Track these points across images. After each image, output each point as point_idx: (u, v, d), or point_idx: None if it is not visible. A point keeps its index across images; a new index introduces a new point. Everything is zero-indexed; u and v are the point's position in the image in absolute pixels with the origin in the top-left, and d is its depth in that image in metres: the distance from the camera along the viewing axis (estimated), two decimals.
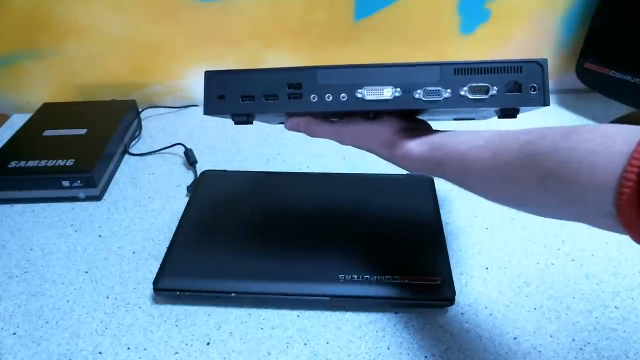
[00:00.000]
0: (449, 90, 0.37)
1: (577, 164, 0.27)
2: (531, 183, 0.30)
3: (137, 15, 0.77)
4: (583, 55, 0.75)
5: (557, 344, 0.43)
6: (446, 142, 0.37)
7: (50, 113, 0.74)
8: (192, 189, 0.60)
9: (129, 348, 0.43)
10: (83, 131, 0.68)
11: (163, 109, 0.83)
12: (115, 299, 0.48)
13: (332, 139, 0.43)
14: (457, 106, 0.38)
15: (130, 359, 0.43)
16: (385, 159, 0.42)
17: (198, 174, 0.63)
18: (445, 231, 0.52)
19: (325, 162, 0.68)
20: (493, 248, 0.53)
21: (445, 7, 0.78)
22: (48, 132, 0.68)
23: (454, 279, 0.47)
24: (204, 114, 0.40)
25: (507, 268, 0.50)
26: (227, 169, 0.62)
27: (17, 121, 0.78)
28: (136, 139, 0.75)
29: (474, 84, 0.37)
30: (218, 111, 0.40)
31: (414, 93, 0.38)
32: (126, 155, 0.71)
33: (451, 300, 0.45)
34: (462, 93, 0.37)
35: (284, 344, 0.44)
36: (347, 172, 0.62)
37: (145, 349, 0.43)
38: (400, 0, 0.77)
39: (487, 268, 0.50)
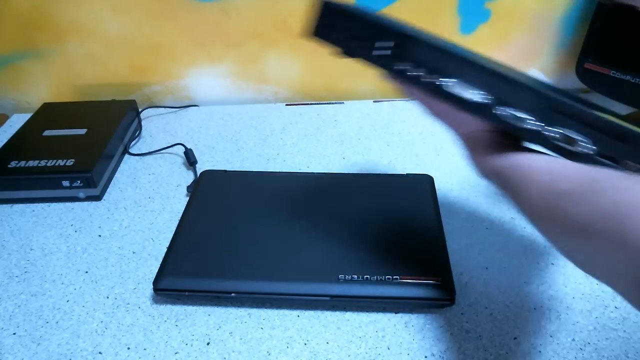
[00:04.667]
0: (536, 123, 0.33)
1: None
2: (611, 253, 0.26)
3: (137, 15, 0.77)
4: (583, 55, 0.75)
5: (557, 344, 0.43)
6: (526, 168, 0.33)
7: (50, 113, 0.74)
8: (192, 189, 0.60)
9: (129, 348, 0.44)
10: (83, 131, 0.68)
11: (163, 109, 0.83)
12: (115, 299, 0.48)
13: (421, 103, 0.40)
14: (534, 142, 0.34)
15: (130, 359, 0.43)
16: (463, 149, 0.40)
17: (198, 174, 0.63)
18: (445, 231, 0.52)
19: (325, 162, 0.68)
20: (493, 248, 0.53)
21: (445, 7, 0.78)
22: (48, 132, 0.68)
23: (454, 279, 0.47)
24: (312, 35, 0.38)
25: (507, 268, 0.50)
26: (227, 169, 0.62)
27: (17, 121, 0.78)
28: (136, 139, 0.75)
29: (570, 134, 0.32)
30: (323, 37, 0.38)
31: (496, 108, 0.34)
32: (126, 155, 0.71)
33: (451, 300, 0.45)
34: (549, 134, 0.33)
35: (284, 344, 0.44)
36: (347, 172, 0.62)
37: (145, 349, 0.43)
38: (400, 0, 0.77)
39: (487, 268, 0.50)
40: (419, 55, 0.35)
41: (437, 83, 0.35)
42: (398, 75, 0.37)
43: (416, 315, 0.46)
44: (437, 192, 0.57)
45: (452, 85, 0.35)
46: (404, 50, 0.35)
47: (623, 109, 0.75)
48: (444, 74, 0.35)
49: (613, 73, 0.71)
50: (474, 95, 0.34)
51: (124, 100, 0.77)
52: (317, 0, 0.38)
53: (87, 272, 0.51)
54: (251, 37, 0.80)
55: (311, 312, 0.46)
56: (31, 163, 0.61)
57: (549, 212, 0.30)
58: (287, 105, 0.83)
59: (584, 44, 0.75)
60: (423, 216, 0.53)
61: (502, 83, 0.34)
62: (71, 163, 0.61)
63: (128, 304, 0.48)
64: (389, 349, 0.43)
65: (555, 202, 0.29)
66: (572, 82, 0.78)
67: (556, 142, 0.33)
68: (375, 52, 0.36)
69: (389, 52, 0.36)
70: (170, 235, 0.52)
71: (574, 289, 0.48)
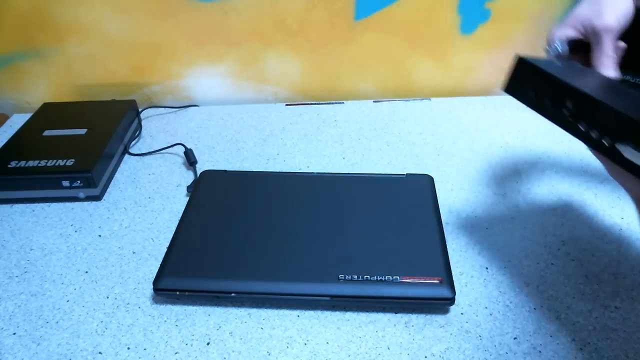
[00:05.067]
0: None
1: None
2: None
3: (137, 15, 0.77)
4: None
5: (557, 344, 0.43)
6: None
7: (50, 113, 0.74)
8: (192, 189, 0.60)
9: (129, 348, 0.44)
10: (83, 131, 0.68)
11: (163, 109, 0.83)
12: (115, 299, 0.48)
13: (602, 162, 0.40)
14: None
15: (130, 359, 0.43)
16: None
17: (198, 174, 0.63)
18: (445, 231, 0.52)
19: (325, 162, 0.68)
20: (493, 248, 0.53)
21: (445, 7, 0.78)
22: (48, 132, 0.68)
23: (454, 279, 0.47)
24: (505, 90, 0.39)
25: (507, 268, 0.50)
26: (227, 169, 0.62)
27: (17, 121, 0.78)
28: (136, 139, 0.75)
29: None
30: (515, 93, 0.39)
31: None
32: (126, 155, 0.71)
33: (451, 300, 0.45)
34: None
35: (284, 344, 0.44)
36: (347, 172, 0.62)
37: (145, 349, 0.43)
38: (400, 0, 0.77)
39: (487, 268, 0.50)
40: (593, 117, 0.35)
41: (608, 145, 0.34)
42: (580, 136, 0.36)
43: (416, 315, 0.46)
44: (437, 192, 0.57)
45: (622, 149, 0.34)
46: (580, 110, 0.35)
47: None
48: (614, 137, 0.34)
49: None
50: None
51: (124, 100, 0.77)
52: (515, 55, 0.38)
53: (87, 272, 0.51)
54: (251, 37, 0.80)
55: (311, 312, 0.46)
56: (31, 163, 0.61)
57: None
58: (287, 105, 0.83)
59: None
60: (423, 216, 0.53)
61: None
62: (71, 163, 0.61)
63: (128, 304, 0.48)
64: (389, 349, 0.43)
65: None
66: None
67: None
68: (562, 112, 0.36)
69: (568, 112, 0.36)
70: (170, 235, 0.52)
71: (574, 289, 0.48)
